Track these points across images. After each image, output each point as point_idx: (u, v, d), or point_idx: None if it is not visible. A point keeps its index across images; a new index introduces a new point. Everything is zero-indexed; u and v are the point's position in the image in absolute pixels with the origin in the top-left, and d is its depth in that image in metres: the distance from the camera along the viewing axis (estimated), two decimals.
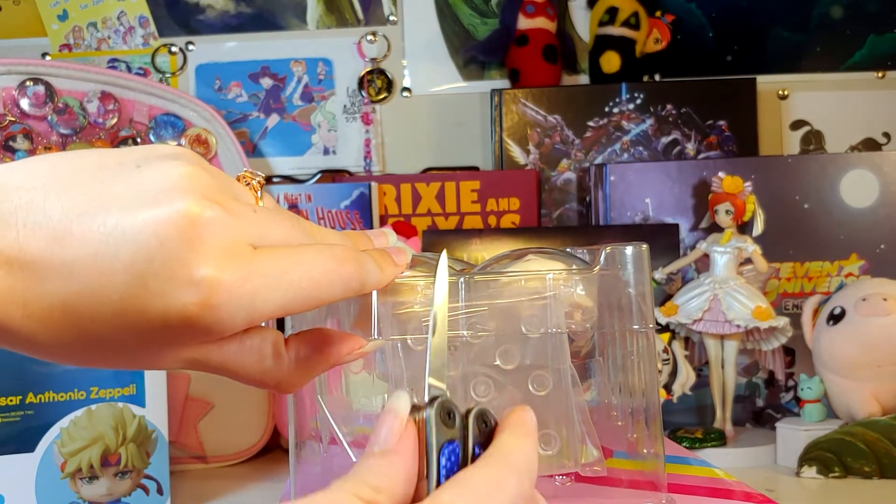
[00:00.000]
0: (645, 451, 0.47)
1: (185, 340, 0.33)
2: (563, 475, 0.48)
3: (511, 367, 0.44)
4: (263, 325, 0.35)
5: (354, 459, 0.47)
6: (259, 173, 0.37)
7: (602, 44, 1.15)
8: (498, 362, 0.44)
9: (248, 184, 0.37)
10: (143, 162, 0.33)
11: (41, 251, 0.31)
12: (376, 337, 0.43)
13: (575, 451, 0.44)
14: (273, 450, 0.95)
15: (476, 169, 1.20)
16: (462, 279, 0.44)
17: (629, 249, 0.46)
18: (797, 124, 1.21)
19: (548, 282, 0.44)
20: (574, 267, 0.46)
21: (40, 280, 0.31)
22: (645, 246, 0.46)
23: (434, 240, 0.97)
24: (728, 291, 0.88)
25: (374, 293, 0.43)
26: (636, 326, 0.46)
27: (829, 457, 0.78)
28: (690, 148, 1.13)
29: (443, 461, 0.30)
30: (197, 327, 0.32)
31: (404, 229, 0.99)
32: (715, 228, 0.94)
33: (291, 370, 0.37)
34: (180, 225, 0.31)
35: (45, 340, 0.32)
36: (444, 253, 0.38)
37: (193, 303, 0.31)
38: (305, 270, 0.34)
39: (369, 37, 1.21)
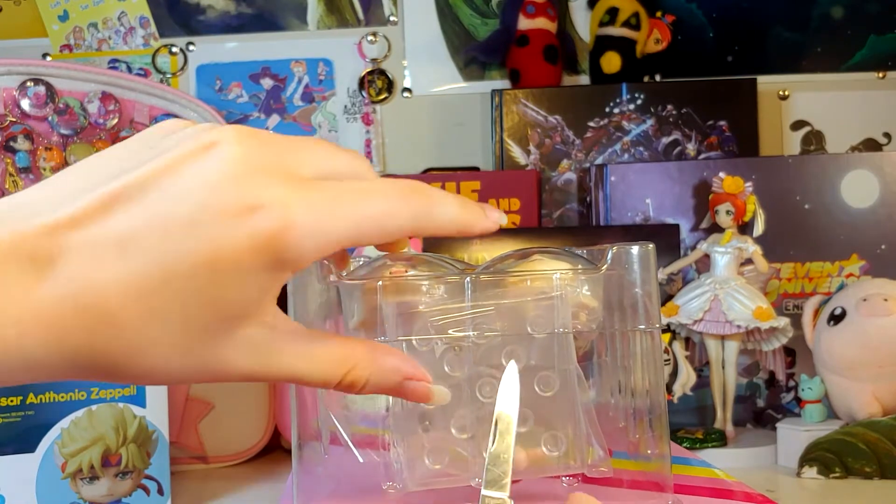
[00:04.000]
0: (650, 452, 0.47)
1: (270, 267, 0.31)
2: (569, 476, 0.48)
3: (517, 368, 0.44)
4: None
5: (360, 459, 0.47)
6: None
7: (602, 44, 1.15)
8: (504, 363, 0.44)
9: None
10: (168, 133, 0.33)
11: (82, 238, 0.29)
12: (384, 338, 0.43)
13: (581, 452, 0.44)
14: (273, 450, 0.94)
15: (476, 169, 1.19)
16: (468, 279, 0.44)
17: (635, 249, 0.46)
18: (798, 124, 1.21)
19: (555, 282, 0.44)
20: (580, 267, 0.46)
21: (91, 270, 0.29)
22: (651, 245, 0.46)
23: (435, 240, 0.97)
24: (729, 292, 0.88)
25: (380, 293, 0.43)
26: (642, 326, 0.46)
27: (830, 457, 0.78)
28: (691, 148, 1.13)
29: None
30: (271, 251, 0.30)
31: None
32: (715, 229, 0.94)
33: (360, 392, 0.36)
34: (220, 161, 0.30)
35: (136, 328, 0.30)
36: (513, 363, 0.37)
37: (264, 226, 0.30)
38: (370, 197, 0.32)
39: (370, 37, 1.21)
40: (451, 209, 0.35)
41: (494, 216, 0.37)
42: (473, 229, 0.36)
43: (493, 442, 0.33)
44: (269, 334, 0.33)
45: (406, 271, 0.44)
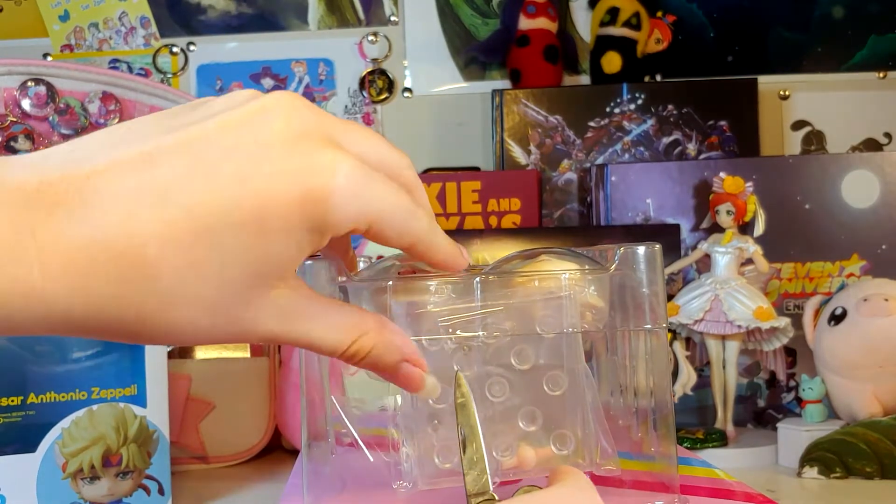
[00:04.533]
0: (655, 451, 0.47)
1: (303, 235, 0.31)
2: None
3: (526, 367, 0.44)
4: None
5: (370, 458, 0.47)
6: None
7: (603, 44, 1.15)
8: (513, 362, 0.44)
9: None
10: (204, 101, 0.33)
11: (121, 185, 0.29)
12: None
13: (590, 451, 0.44)
14: (274, 450, 0.94)
15: (477, 169, 1.20)
16: (478, 279, 0.44)
17: (642, 249, 0.46)
18: (798, 124, 1.21)
19: (563, 282, 0.44)
20: (587, 267, 0.46)
21: (126, 216, 0.29)
22: (658, 246, 0.46)
23: None
24: (729, 292, 0.88)
25: (388, 294, 0.43)
26: (648, 326, 0.46)
27: (831, 457, 0.78)
28: (691, 148, 1.13)
29: None
30: (319, 212, 0.31)
31: None
32: (716, 229, 0.94)
33: (359, 363, 0.36)
34: (274, 122, 0.31)
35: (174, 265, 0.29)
36: (458, 372, 0.38)
37: (314, 185, 0.30)
38: (402, 192, 0.34)
39: (370, 37, 1.21)
40: (446, 241, 0.37)
41: (466, 256, 0.40)
42: (456, 265, 0.38)
43: (464, 451, 0.34)
44: (295, 297, 0.33)
45: (414, 272, 0.44)
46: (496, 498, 0.33)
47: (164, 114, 0.32)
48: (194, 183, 0.29)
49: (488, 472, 0.34)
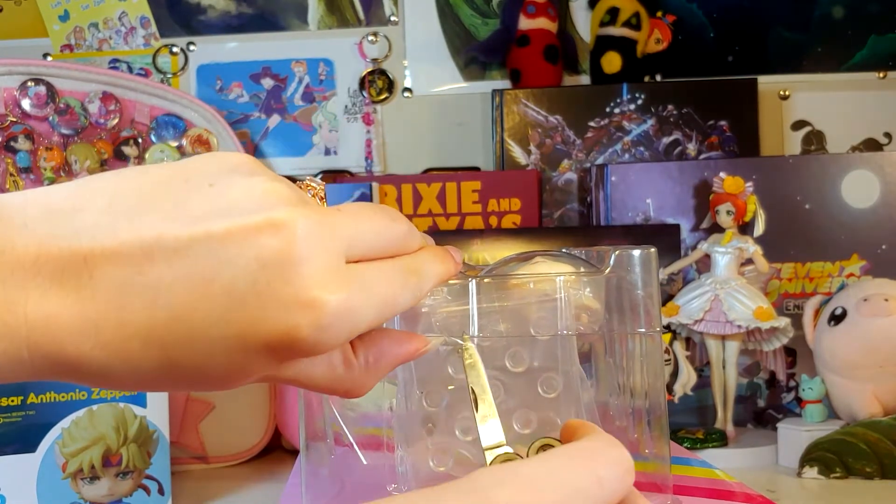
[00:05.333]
0: (649, 452, 0.47)
1: (280, 360, 0.31)
2: None
3: (520, 370, 0.44)
4: None
5: (364, 461, 0.47)
6: (320, 181, 0.37)
7: (603, 44, 1.15)
8: (507, 364, 0.44)
9: (314, 194, 0.36)
10: (214, 179, 0.31)
11: (116, 276, 0.29)
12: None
13: None
14: (274, 450, 0.95)
15: (477, 169, 1.20)
16: (473, 281, 0.44)
17: (637, 252, 0.46)
18: (798, 124, 1.21)
19: (557, 284, 0.44)
20: (582, 269, 0.46)
21: (117, 308, 0.29)
22: (653, 249, 0.46)
23: (435, 240, 0.97)
24: (729, 292, 0.88)
25: None
26: (643, 329, 0.46)
27: (831, 457, 0.78)
28: (691, 148, 1.13)
29: None
30: (302, 348, 0.30)
31: None
32: (716, 229, 0.94)
33: (361, 375, 0.36)
34: (280, 243, 0.29)
35: (119, 371, 0.30)
36: (470, 342, 0.38)
37: (304, 325, 0.30)
38: (389, 285, 0.33)
39: (370, 37, 1.21)
40: (435, 269, 0.37)
41: (458, 257, 0.40)
42: (450, 278, 0.39)
43: (477, 409, 0.34)
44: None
45: None
46: (512, 451, 0.33)
47: (177, 181, 0.31)
48: (187, 291, 0.29)
49: (501, 425, 0.34)
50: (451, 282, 0.44)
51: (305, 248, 0.30)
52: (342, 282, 0.31)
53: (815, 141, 1.20)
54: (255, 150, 1.21)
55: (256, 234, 0.30)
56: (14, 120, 0.93)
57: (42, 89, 0.94)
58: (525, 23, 1.16)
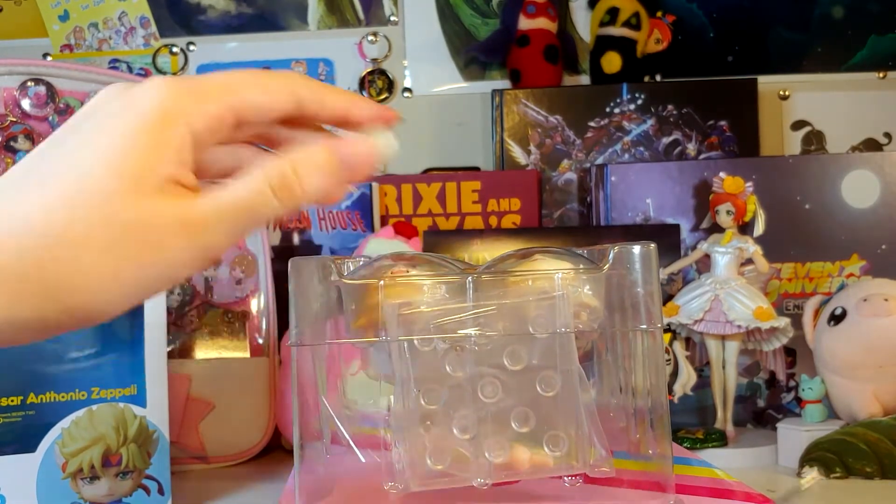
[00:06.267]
0: (652, 452, 0.47)
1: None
2: (571, 476, 0.48)
3: (519, 368, 0.44)
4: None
5: (362, 459, 0.47)
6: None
7: (603, 44, 1.15)
8: (505, 363, 0.44)
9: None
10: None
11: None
12: (385, 338, 0.43)
13: (584, 452, 0.44)
14: (274, 450, 0.94)
15: (477, 169, 1.20)
16: (470, 278, 0.44)
17: (637, 249, 0.46)
18: (798, 124, 1.21)
19: (556, 281, 0.44)
20: (581, 266, 0.46)
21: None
22: (653, 245, 0.46)
23: (435, 240, 0.97)
24: (729, 292, 0.88)
25: (381, 293, 0.43)
26: (644, 326, 0.46)
27: (831, 457, 0.78)
28: (691, 148, 1.13)
29: None
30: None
31: (405, 230, 0.99)
32: (716, 229, 0.94)
33: (310, 197, 0.36)
34: (153, 98, 0.34)
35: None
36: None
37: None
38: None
39: (370, 37, 1.21)
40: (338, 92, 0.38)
41: (385, 109, 0.40)
42: (360, 111, 0.39)
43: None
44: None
45: (407, 271, 0.44)
46: None
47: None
48: (66, 166, 0.33)
49: None
50: (448, 279, 0.43)
51: (161, 106, 0.34)
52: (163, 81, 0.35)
53: (815, 141, 1.20)
54: None
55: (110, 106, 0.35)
56: (14, 120, 0.93)
57: (42, 89, 0.94)
58: (525, 23, 1.16)
